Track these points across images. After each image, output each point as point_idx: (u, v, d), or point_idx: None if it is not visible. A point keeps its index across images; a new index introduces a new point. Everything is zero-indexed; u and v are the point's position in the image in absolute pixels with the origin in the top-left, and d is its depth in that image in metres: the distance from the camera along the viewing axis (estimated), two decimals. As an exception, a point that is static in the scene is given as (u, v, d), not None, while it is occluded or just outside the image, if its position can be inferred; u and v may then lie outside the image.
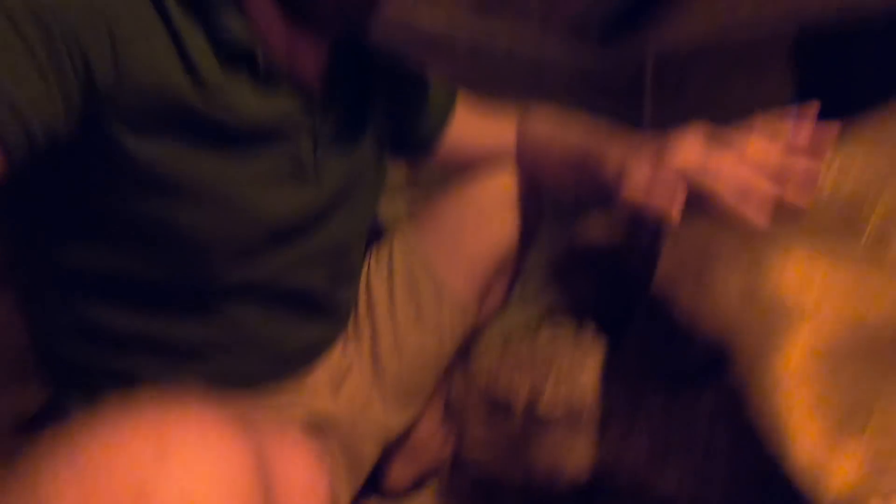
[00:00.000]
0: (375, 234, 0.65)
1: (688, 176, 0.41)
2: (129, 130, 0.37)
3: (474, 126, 0.66)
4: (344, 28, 0.48)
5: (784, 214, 0.40)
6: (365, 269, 0.63)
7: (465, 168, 0.67)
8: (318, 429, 0.54)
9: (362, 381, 0.59)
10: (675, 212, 0.40)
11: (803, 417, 0.37)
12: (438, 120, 0.64)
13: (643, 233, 0.70)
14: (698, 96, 1.57)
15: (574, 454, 0.58)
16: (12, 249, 0.44)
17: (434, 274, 0.61)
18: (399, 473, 0.69)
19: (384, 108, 0.59)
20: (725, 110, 1.39)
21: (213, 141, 0.40)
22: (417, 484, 0.71)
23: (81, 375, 0.46)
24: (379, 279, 0.62)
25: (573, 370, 0.60)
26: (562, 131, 0.62)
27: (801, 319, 0.42)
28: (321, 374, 0.56)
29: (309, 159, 0.47)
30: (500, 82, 1.16)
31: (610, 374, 0.59)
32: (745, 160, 0.41)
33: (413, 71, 0.64)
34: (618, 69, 1.59)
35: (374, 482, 0.66)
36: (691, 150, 0.42)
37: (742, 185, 0.40)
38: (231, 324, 0.47)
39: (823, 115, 0.42)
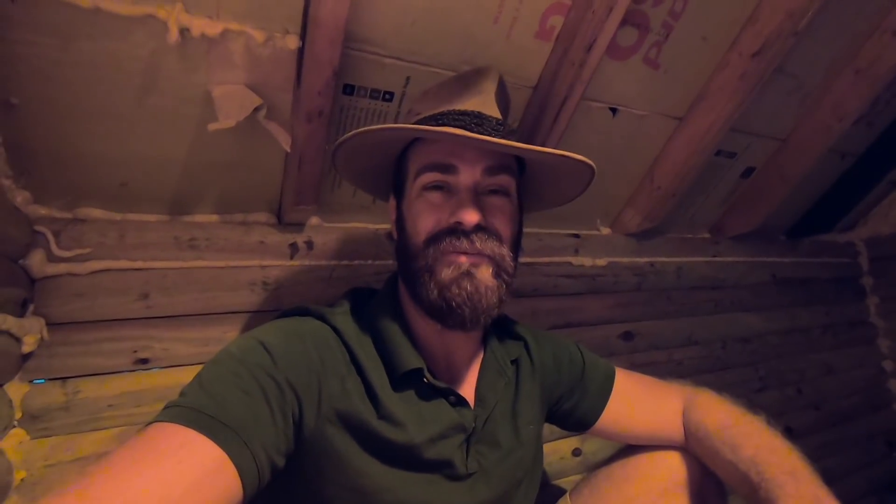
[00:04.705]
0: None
1: None
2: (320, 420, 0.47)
3: (634, 406, 0.64)
4: (480, 321, 0.50)
5: None
6: None
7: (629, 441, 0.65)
8: None
9: None
10: None
11: None
12: (596, 402, 0.63)
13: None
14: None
15: None
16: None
17: None
18: None
19: (541, 395, 0.60)
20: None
21: (379, 448, 0.50)
22: None
23: None
24: None
25: None
26: (731, 435, 0.57)
27: None
28: None
29: (461, 464, 0.51)
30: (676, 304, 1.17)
31: None
32: None
33: (569, 349, 0.64)
34: (821, 267, 1.54)
35: None
36: None
37: None
38: None
39: None
